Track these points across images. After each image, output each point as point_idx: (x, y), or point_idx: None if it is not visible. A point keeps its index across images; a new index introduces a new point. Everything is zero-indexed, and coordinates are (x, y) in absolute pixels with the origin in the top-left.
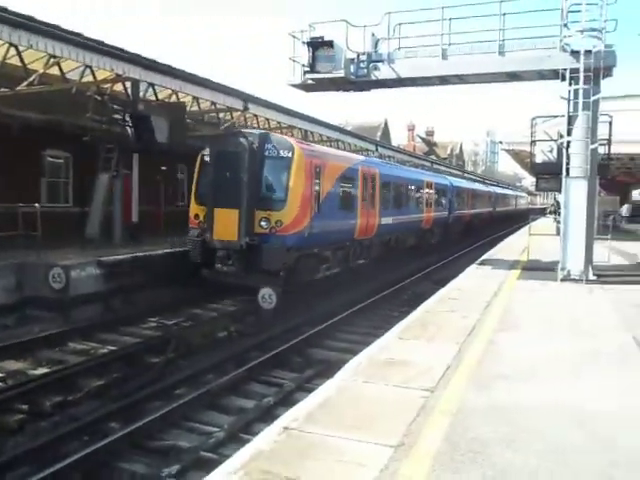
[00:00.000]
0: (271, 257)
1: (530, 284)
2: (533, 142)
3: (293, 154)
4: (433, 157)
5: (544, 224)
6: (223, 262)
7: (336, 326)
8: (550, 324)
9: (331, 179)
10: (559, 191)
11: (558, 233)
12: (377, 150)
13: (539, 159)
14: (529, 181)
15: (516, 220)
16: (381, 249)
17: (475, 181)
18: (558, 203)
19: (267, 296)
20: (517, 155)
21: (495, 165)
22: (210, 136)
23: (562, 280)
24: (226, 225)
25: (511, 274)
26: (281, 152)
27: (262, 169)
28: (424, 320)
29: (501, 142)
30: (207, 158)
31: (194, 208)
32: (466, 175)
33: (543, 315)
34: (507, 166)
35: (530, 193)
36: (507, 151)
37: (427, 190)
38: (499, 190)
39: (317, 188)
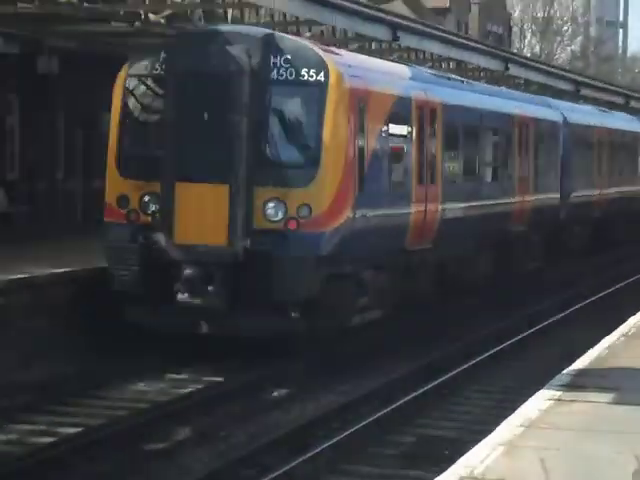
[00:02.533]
0: (293, 277)
1: None
2: None
3: (327, 76)
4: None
5: None
6: (194, 289)
7: None
8: None
9: (377, 124)
10: None
11: None
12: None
13: None
14: None
15: None
16: (431, 282)
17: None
18: None
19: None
20: None
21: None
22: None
23: None
24: (203, 216)
25: None
26: (304, 73)
27: (268, 107)
28: None
29: None
30: (138, 84)
31: (116, 184)
32: (581, 81)
33: None
34: None
35: None
36: None
37: (518, 138)
38: None
39: (362, 143)
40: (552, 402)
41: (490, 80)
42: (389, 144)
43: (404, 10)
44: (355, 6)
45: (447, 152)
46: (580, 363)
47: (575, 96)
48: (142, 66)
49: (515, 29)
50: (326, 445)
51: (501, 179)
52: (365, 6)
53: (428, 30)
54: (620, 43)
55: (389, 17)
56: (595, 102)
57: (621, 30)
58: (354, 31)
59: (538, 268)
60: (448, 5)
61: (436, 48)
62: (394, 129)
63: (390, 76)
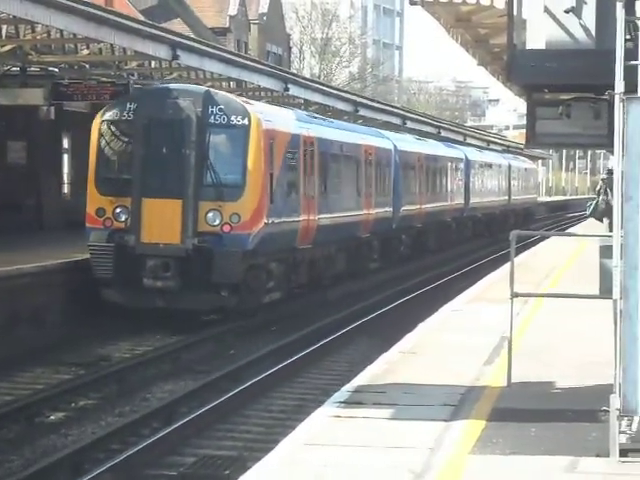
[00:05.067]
0: (226, 265)
1: (512, 473)
2: None
3: (250, 121)
4: None
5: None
6: (157, 275)
7: None
8: None
9: (280, 154)
10: (606, 145)
11: (605, 291)
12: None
13: (537, 36)
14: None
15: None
16: (308, 274)
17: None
18: (606, 182)
19: None
20: (459, 24)
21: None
22: (130, 95)
23: (626, 452)
24: (163, 222)
25: (450, 440)
26: (232, 118)
27: (208, 143)
28: None
29: None
30: (110, 125)
31: (95, 199)
32: (359, 102)
33: None
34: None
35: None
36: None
37: (364, 163)
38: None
39: (271, 169)
40: (331, 419)
41: (270, 100)
42: (287, 170)
43: (184, 29)
44: (134, 24)
45: (320, 175)
46: (359, 380)
47: (354, 116)
48: (113, 113)
49: (294, 50)
50: None
51: (354, 196)
52: (145, 24)
53: (208, 49)
54: (396, 64)
55: (169, 36)
56: (373, 122)
57: (397, 52)
58: (133, 49)
59: (377, 268)
60: (228, 25)
61: (216, 67)
62: (290, 158)
63: (285, 119)
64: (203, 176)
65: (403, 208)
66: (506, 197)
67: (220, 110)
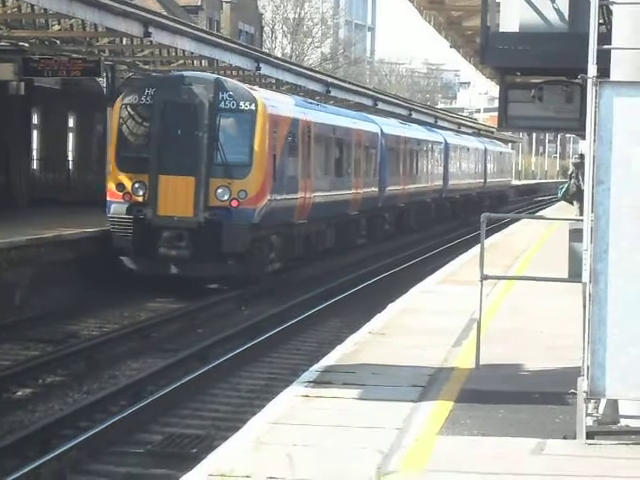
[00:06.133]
0: (234, 236)
1: (481, 453)
2: None
3: (256, 106)
4: None
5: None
6: (171, 245)
7: None
8: None
9: (282, 137)
10: (577, 129)
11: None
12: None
13: (510, 18)
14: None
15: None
16: (303, 247)
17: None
18: (577, 166)
19: None
20: (433, 5)
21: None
22: (147, 79)
23: (593, 434)
24: (177, 197)
25: (419, 420)
26: (241, 104)
27: (218, 126)
28: None
29: None
30: (130, 108)
31: (116, 176)
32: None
33: None
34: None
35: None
36: None
37: (355, 145)
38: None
39: (274, 150)
40: (300, 398)
41: (242, 79)
42: (288, 151)
43: (157, 7)
44: (106, 1)
45: (316, 156)
46: (328, 360)
47: (325, 97)
48: (132, 97)
49: (267, 29)
50: None
51: (346, 176)
52: (117, 1)
53: (180, 27)
54: (368, 46)
55: (141, 13)
56: (345, 103)
57: (369, 34)
58: (105, 26)
59: (363, 244)
60: (200, 3)
61: (188, 45)
62: (290, 141)
63: (286, 105)
64: (214, 156)
65: (388, 188)
66: (482, 180)
67: (230, 96)
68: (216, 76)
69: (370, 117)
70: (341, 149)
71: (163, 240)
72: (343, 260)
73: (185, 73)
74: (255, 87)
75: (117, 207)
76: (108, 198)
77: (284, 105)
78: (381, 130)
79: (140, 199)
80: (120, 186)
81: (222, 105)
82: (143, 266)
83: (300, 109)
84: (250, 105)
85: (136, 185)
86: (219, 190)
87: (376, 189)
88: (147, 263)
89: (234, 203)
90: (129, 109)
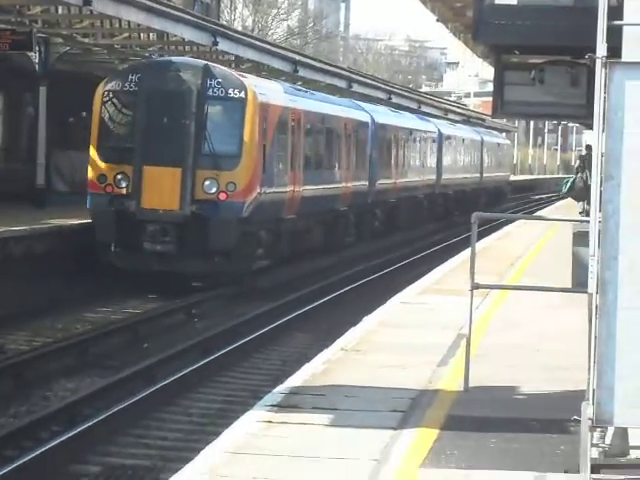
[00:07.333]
0: (222, 232)
1: None
2: None
3: (246, 94)
4: None
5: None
6: (156, 239)
7: None
8: None
9: (272, 127)
10: (583, 117)
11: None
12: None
13: None
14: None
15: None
16: (290, 244)
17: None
18: (584, 159)
19: None
20: None
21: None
22: (132, 67)
23: (599, 468)
24: (162, 189)
25: (399, 451)
26: (230, 91)
27: (206, 115)
28: None
29: None
30: (112, 94)
31: (97, 166)
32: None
33: None
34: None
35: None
36: None
37: (345, 136)
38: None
39: (264, 140)
40: (262, 424)
41: (197, 55)
42: (278, 142)
43: None
44: None
45: (306, 147)
46: (294, 380)
47: (292, 77)
48: (115, 83)
49: None
50: None
51: (335, 169)
52: None
53: None
54: (342, 19)
55: None
56: (315, 85)
57: (343, 5)
58: None
59: (351, 243)
60: None
61: (135, 16)
62: (280, 130)
63: (276, 92)
64: (201, 146)
65: (378, 182)
66: (478, 175)
67: (218, 83)
68: (204, 62)
69: (360, 104)
70: (331, 139)
71: (148, 234)
72: (328, 260)
73: (173, 58)
74: (244, 73)
75: (98, 199)
76: (89, 190)
77: (273, 93)
78: (372, 119)
79: (123, 191)
80: (102, 177)
81: (210, 92)
82: (126, 261)
83: (289, 96)
84: (240, 93)
85: (118, 176)
86: (206, 182)
87: (366, 183)
88: (130, 258)
89: (222, 196)
90: (111, 96)
